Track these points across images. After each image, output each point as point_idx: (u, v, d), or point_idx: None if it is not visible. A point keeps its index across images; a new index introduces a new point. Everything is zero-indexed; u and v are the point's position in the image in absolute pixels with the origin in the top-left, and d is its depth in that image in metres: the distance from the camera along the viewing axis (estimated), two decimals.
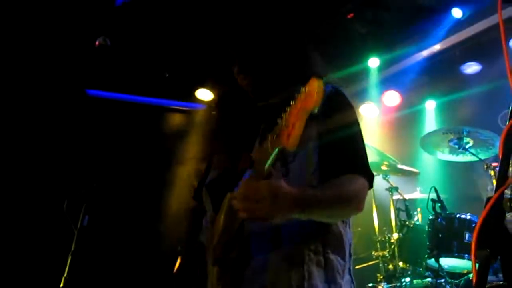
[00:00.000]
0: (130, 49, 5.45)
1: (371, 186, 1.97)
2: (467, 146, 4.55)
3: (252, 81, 2.07)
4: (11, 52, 5.36)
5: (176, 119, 7.18)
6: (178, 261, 5.16)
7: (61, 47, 5.35)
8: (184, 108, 7.11)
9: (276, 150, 1.67)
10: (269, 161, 1.70)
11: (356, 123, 2.03)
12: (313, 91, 1.59)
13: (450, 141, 4.63)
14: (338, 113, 1.97)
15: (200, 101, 6.89)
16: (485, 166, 4.31)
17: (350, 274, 2.01)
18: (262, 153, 1.76)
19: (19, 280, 5.44)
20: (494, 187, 1.22)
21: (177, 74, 6.42)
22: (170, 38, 5.68)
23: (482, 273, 1.14)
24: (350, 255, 2.02)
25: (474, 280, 1.14)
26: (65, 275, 3.58)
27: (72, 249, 3.68)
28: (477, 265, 1.16)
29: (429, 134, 4.89)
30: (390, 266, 4.72)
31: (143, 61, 5.99)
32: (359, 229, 5.06)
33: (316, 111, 1.61)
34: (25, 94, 5.66)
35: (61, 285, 3.55)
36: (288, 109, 1.66)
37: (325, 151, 1.92)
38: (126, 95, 6.45)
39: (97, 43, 3.83)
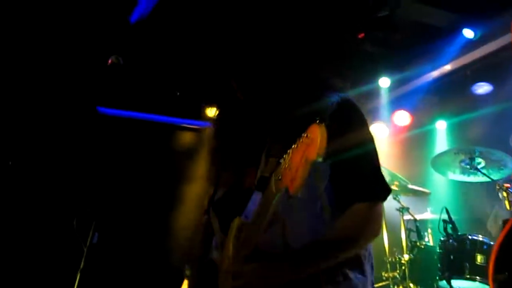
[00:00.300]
0: (142, 67, 5.48)
1: (386, 198, 1.90)
2: (478, 167, 4.52)
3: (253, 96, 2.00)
4: (23, 70, 5.41)
5: (186, 137, 7.19)
6: (186, 281, 5.11)
7: (74, 65, 5.39)
8: (194, 126, 7.13)
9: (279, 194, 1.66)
10: (274, 201, 1.69)
11: (368, 140, 1.92)
12: (316, 139, 1.56)
13: (461, 161, 4.60)
14: (347, 129, 1.86)
15: (210, 120, 6.90)
16: (497, 187, 4.27)
17: (372, 286, 1.93)
18: (260, 209, 1.76)
19: None
20: (506, 206, 1.20)
21: (187, 93, 6.45)
22: (181, 57, 5.71)
23: None
24: (371, 267, 1.93)
25: None
26: None
27: (81, 266, 3.67)
28: None
29: (441, 154, 4.86)
30: None
31: (154, 80, 6.03)
32: None
33: (320, 160, 1.56)
34: (37, 111, 5.70)
35: None
36: (290, 152, 1.64)
37: (336, 172, 1.83)
38: (137, 113, 6.47)
39: (109, 61, 3.85)
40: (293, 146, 1.63)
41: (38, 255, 5.58)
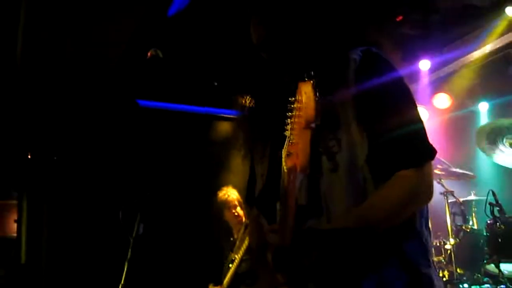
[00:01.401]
0: (180, 58, 5.52)
1: (432, 158, 1.70)
2: None
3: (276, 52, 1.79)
4: (63, 65, 5.51)
5: (224, 127, 7.23)
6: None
7: (114, 59, 5.47)
8: (232, 116, 7.15)
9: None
10: (285, 180, 1.57)
11: (401, 93, 1.70)
12: (303, 100, 1.48)
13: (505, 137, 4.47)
14: (374, 86, 1.66)
15: (239, 108, 6.91)
16: None
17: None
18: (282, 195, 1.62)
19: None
20: None
21: (225, 82, 6.47)
22: (219, 47, 5.73)
23: None
24: (429, 232, 1.76)
25: None
26: (122, 282, 3.63)
27: (128, 256, 3.74)
28: None
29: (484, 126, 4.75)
30: (446, 272, 4.62)
31: (192, 70, 6.07)
32: None
33: (313, 126, 1.49)
34: (79, 106, 5.82)
35: None
36: (289, 121, 1.55)
37: (373, 137, 1.65)
38: (176, 105, 6.54)
39: (149, 54, 3.88)
40: (290, 114, 1.53)
41: (87, 247, 5.72)
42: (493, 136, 4.63)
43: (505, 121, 4.56)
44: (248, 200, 2.12)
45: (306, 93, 1.49)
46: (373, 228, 1.60)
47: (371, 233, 1.61)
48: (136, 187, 4.54)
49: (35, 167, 5.61)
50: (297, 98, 1.52)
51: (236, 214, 5.22)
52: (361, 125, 1.66)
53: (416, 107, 1.72)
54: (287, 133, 1.58)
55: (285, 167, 1.58)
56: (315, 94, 1.50)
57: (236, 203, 5.26)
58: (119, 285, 3.63)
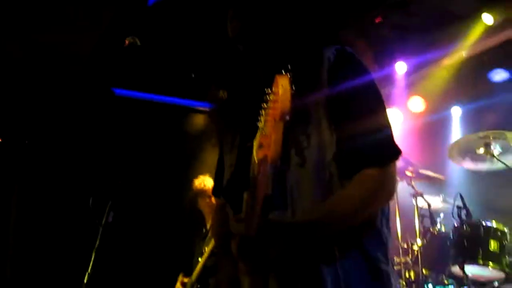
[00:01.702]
0: (158, 49, 5.49)
1: (397, 158, 1.75)
2: (495, 154, 4.50)
3: (246, 29, 1.82)
4: (38, 50, 5.44)
5: (200, 120, 7.22)
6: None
7: (90, 46, 5.42)
8: (207, 109, 7.13)
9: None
10: (255, 170, 1.59)
11: (371, 94, 1.75)
12: (277, 88, 1.49)
13: (477, 148, 4.57)
14: (347, 84, 1.70)
15: (215, 100, 6.90)
16: None
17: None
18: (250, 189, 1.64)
19: (44, 276, 5.52)
20: None
21: (202, 75, 6.45)
22: (197, 39, 5.71)
23: None
24: (389, 231, 1.79)
25: None
26: (89, 271, 3.61)
27: (97, 245, 3.71)
28: None
29: (457, 142, 4.85)
30: (412, 273, 4.68)
31: (170, 61, 6.04)
32: None
33: (288, 118, 1.49)
34: (53, 93, 5.74)
35: (85, 281, 3.58)
36: (263, 114, 1.57)
37: (341, 136, 1.70)
38: (152, 95, 6.50)
39: (126, 42, 3.84)
40: (264, 106, 1.55)
41: (54, 233, 5.66)
42: (465, 149, 4.73)
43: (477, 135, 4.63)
44: (215, 191, 2.15)
45: (283, 86, 1.50)
46: (335, 225, 1.66)
47: (334, 229, 1.66)
48: (107, 175, 4.50)
49: (6, 151, 5.53)
50: (273, 90, 1.53)
51: (210, 203, 5.19)
52: (331, 123, 1.70)
53: (385, 110, 1.77)
54: (260, 124, 1.59)
55: (256, 158, 1.59)
56: (291, 88, 1.52)
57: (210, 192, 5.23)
58: (85, 274, 3.61)
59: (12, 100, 5.53)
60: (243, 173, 1.76)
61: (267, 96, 1.56)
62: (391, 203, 1.84)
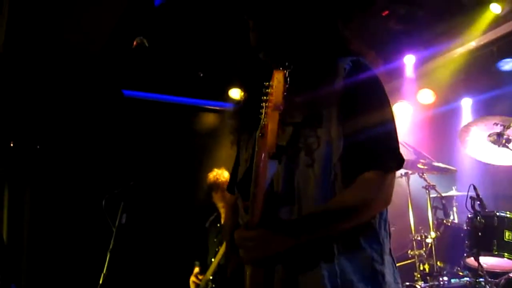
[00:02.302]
0: (166, 49, 5.51)
1: (399, 168, 1.84)
2: (507, 144, 4.45)
3: (266, 39, 1.93)
4: (47, 53, 5.47)
5: (209, 119, 7.24)
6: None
7: (99, 48, 5.45)
8: (217, 108, 7.17)
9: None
10: (256, 159, 1.72)
11: (382, 105, 1.85)
12: (273, 82, 1.67)
13: (489, 136, 4.51)
14: (360, 93, 1.81)
15: (233, 101, 6.92)
16: None
17: (391, 255, 1.88)
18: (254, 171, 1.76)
19: (60, 277, 5.56)
20: None
21: (210, 74, 6.47)
22: (204, 38, 5.72)
23: None
24: (387, 233, 1.88)
25: None
26: (104, 271, 3.64)
27: (111, 246, 3.74)
28: None
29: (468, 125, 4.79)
30: (427, 265, 4.68)
31: (178, 61, 6.06)
32: (393, 228, 4.99)
33: (281, 108, 1.66)
34: (63, 94, 5.78)
35: (100, 281, 3.61)
36: (264, 106, 1.70)
37: (349, 139, 1.78)
38: (161, 95, 6.53)
39: (134, 43, 3.86)
40: (264, 98, 1.69)
41: (68, 235, 5.70)
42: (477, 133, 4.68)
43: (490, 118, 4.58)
44: (229, 188, 2.24)
45: (277, 79, 1.65)
46: (334, 225, 1.77)
47: (332, 229, 1.77)
48: (119, 177, 4.53)
49: (17, 156, 5.57)
50: (270, 84, 1.68)
51: (225, 197, 5.19)
52: (340, 127, 1.79)
53: (394, 119, 1.86)
54: (262, 116, 1.71)
55: (256, 147, 1.72)
56: (285, 82, 1.68)
57: (225, 185, 5.22)
58: (101, 275, 3.64)
59: (23, 105, 5.57)
60: None
61: (266, 89, 1.70)
62: (404, 196, 1.89)
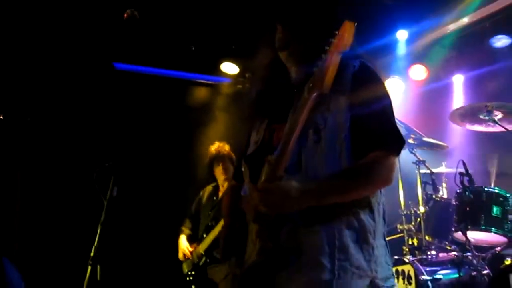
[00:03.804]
0: (157, 22, 5.45)
1: (401, 148, 2.07)
2: (496, 118, 4.49)
3: (290, 36, 2.16)
4: (40, 26, 5.42)
5: (201, 92, 7.21)
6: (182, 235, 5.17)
7: (89, 21, 5.39)
8: (209, 82, 7.14)
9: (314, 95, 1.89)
10: (307, 107, 1.91)
11: (385, 96, 2.09)
12: (344, 33, 1.83)
13: (479, 113, 4.56)
14: (367, 86, 2.04)
15: (225, 75, 6.91)
16: None
17: (384, 239, 2.08)
18: (293, 118, 1.97)
19: (51, 250, 5.58)
20: None
21: (202, 47, 6.43)
22: (196, 11, 5.67)
23: None
24: (384, 219, 2.10)
25: None
26: (95, 244, 3.65)
27: (102, 219, 3.75)
28: None
29: (458, 109, 4.85)
30: (415, 240, 4.73)
31: (169, 35, 6.01)
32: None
33: (347, 49, 1.85)
34: (55, 68, 5.73)
35: (92, 254, 3.62)
36: (324, 56, 1.87)
37: (356, 124, 2.00)
38: (152, 69, 6.48)
39: (125, 15, 3.82)
40: (326, 48, 1.87)
41: (59, 208, 5.71)
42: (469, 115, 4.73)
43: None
44: (236, 175, 2.45)
45: (349, 27, 1.85)
46: (346, 195, 1.97)
47: (344, 198, 1.98)
48: (110, 150, 4.52)
49: (7, 128, 5.54)
50: (338, 32, 1.86)
51: (226, 168, 5.19)
52: (348, 113, 2.01)
53: (393, 111, 2.09)
54: (317, 68, 1.91)
55: (306, 94, 1.93)
56: (352, 63, 2.05)
57: (227, 158, 5.22)
58: (92, 247, 3.65)
59: (13, 77, 5.52)
60: (266, 149, 2.10)
61: (331, 39, 1.89)
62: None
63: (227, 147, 5.26)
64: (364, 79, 2.06)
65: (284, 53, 2.19)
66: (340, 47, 1.83)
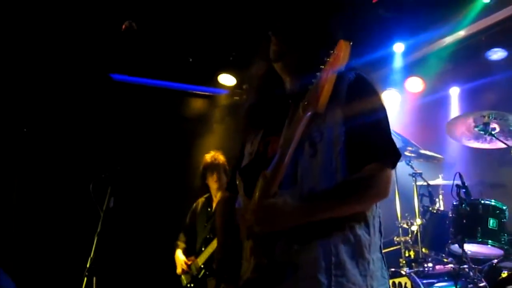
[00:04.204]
0: (155, 33, 5.47)
1: (397, 161, 2.04)
2: (493, 132, 4.51)
3: (286, 48, 2.14)
4: (37, 37, 5.43)
5: (198, 104, 7.23)
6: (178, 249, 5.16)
7: (87, 32, 5.40)
8: (206, 93, 7.15)
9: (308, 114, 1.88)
10: (301, 124, 1.89)
11: (381, 108, 2.07)
12: (339, 52, 1.82)
13: (476, 126, 4.59)
14: (363, 98, 2.03)
15: (223, 86, 6.92)
16: None
17: (380, 252, 2.07)
18: (288, 133, 1.96)
19: (47, 260, 5.56)
20: None
21: (199, 59, 6.45)
22: (194, 23, 5.70)
23: None
24: (380, 232, 2.09)
25: None
26: (91, 255, 3.64)
27: (98, 230, 3.74)
28: None
29: (455, 119, 4.86)
30: (412, 252, 4.72)
31: (167, 46, 6.02)
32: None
33: (343, 69, 1.85)
34: (52, 78, 5.74)
35: (88, 265, 3.61)
36: (319, 74, 1.85)
37: (351, 137, 1.98)
38: (150, 80, 6.50)
39: (123, 27, 3.83)
40: (321, 67, 1.86)
41: (56, 219, 5.69)
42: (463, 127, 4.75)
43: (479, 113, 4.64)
44: (229, 186, 2.43)
45: (345, 46, 1.84)
46: (339, 210, 1.96)
47: (337, 213, 1.96)
48: (107, 161, 4.51)
49: (4, 138, 5.54)
50: (333, 52, 1.85)
51: (219, 178, 5.17)
52: (343, 126, 2.00)
53: (389, 123, 2.08)
54: (311, 86, 1.89)
55: (301, 111, 1.91)
56: (348, 75, 2.02)
57: (222, 168, 5.20)
58: (88, 258, 3.64)
59: (10, 87, 5.53)
60: (261, 161, 2.09)
61: (326, 58, 1.87)
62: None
63: (222, 157, 5.26)
64: (359, 90, 2.04)
65: (279, 64, 2.17)
66: (335, 66, 1.84)
